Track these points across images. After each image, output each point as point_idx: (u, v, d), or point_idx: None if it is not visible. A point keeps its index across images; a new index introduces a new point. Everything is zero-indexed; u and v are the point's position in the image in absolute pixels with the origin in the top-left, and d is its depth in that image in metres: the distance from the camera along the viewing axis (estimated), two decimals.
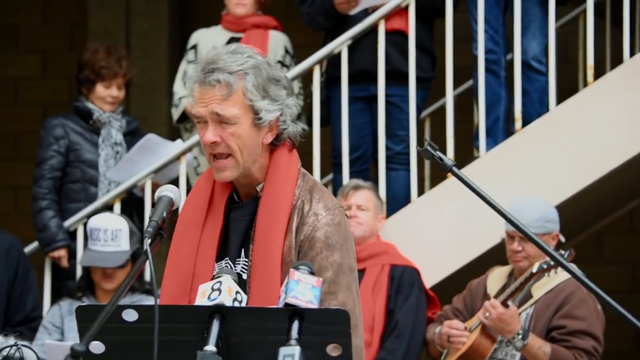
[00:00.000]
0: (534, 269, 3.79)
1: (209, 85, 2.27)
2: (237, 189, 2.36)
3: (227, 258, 2.32)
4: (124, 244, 4.08)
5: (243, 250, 2.32)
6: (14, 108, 6.76)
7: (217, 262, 2.32)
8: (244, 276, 2.28)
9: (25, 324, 4.13)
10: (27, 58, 6.76)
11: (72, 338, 4.01)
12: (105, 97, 4.60)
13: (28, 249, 4.66)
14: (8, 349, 2.28)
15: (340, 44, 4.66)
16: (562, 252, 3.76)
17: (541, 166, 4.57)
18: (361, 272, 4.23)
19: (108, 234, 4.06)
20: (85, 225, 4.38)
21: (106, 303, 1.98)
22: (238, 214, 2.33)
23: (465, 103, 5.22)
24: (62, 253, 4.53)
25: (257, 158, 2.31)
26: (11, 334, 2.35)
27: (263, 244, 2.28)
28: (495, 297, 3.92)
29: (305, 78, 4.81)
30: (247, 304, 2.14)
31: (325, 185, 5.20)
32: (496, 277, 4.05)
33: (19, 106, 6.77)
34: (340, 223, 2.31)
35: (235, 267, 2.31)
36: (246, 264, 2.30)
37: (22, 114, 6.71)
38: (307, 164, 4.69)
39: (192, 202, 2.34)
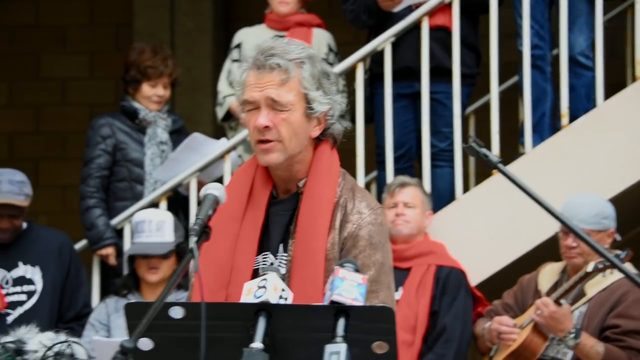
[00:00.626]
0: (589, 269, 3.71)
1: (267, 69, 2.28)
2: (276, 185, 2.36)
3: (267, 252, 2.32)
4: (168, 235, 4.11)
5: (281, 245, 2.32)
6: (62, 108, 6.85)
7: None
8: (282, 271, 2.28)
9: (77, 320, 4.19)
10: (74, 59, 6.84)
11: (118, 335, 4.04)
12: (151, 96, 4.64)
13: (76, 247, 4.71)
14: (59, 345, 2.32)
15: (383, 41, 4.65)
16: (619, 252, 3.68)
17: (588, 162, 4.51)
18: (406, 270, 4.22)
19: (152, 225, 4.10)
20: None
21: (152, 300, 1.99)
22: (278, 209, 2.33)
23: (511, 99, 5.17)
24: (109, 251, 4.58)
25: (302, 150, 2.32)
26: (62, 330, 2.39)
27: (305, 239, 2.29)
28: (547, 294, 3.87)
29: (348, 76, 4.80)
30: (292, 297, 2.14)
31: (369, 183, 5.20)
32: (548, 274, 4.00)
33: (66, 106, 6.86)
34: (382, 223, 2.33)
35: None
36: (284, 259, 2.31)
37: (69, 114, 6.79)
38: (351, 162, 4.70)
39: (230, 195, 2.30)
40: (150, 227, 4.09)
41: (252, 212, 2.31)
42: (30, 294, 4.13)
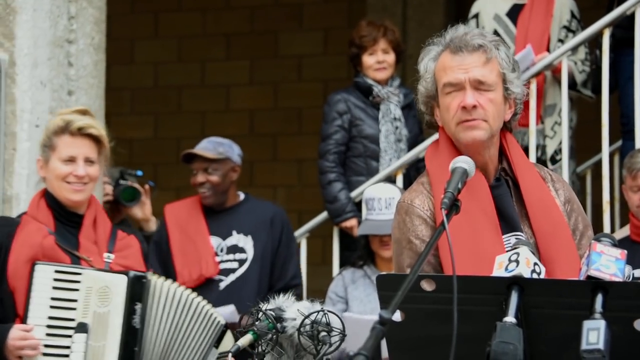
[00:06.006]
0: None
1: (469, 51, 2.33)
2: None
3: (511, 233, 2.33)
4: None
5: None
6: (297, 84, 7.04)
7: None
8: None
9: (286, 291, 4.27)
10: (309, 36, 7.01)
11: (356, 307, 4.12)
12: (372, 64, 4.67)
13: (317, 219, 4.85)
14: (315, 314, 2.39)
15: (633, 4, 4.41)
16: None
17: None
18: None
19: (382, 203, 4.12)
20: None
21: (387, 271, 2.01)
22: (497, 192, 2.37)
23: None
24: (353, 223, 4.64)
25: (498, 132, 2.37)
26: (317, 299, 2.46)
27: (544, 212, 2.33)
28: None
29: (590, 43, 4.60)
30: (545, 271, 2.14)
31: (612, 153, 4.96)
32: None
33: (302, 82, 7.05)
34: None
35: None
36: (521, 236, 2.33)
37: (305, 89, 6.97)
38: (594, 132, 4.51)
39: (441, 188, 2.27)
40: (380, 204, 4.12)
41: (477, 199, 2.32)
42: (241, 262, 4.25)
